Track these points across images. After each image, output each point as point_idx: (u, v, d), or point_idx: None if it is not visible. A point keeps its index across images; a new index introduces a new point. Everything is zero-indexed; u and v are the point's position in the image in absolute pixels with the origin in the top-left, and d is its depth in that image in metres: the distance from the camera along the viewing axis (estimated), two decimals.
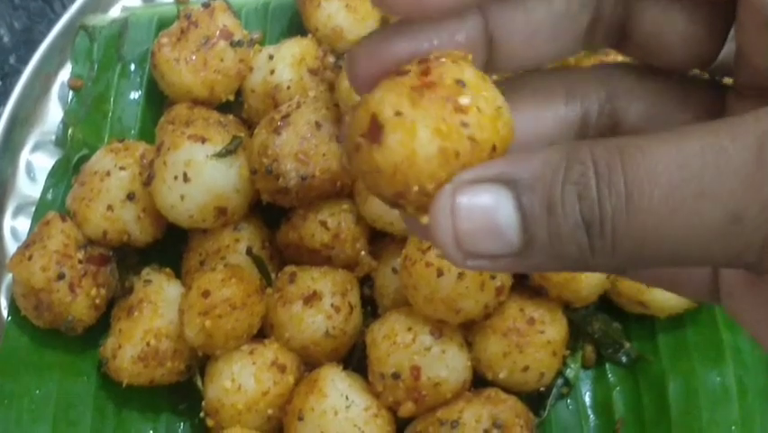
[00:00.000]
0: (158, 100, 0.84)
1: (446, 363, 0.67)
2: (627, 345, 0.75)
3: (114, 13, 0.91)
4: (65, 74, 0.88)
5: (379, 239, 0.75)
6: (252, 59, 0.80)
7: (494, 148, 0.29)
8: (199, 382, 0.72)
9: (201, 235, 0.75)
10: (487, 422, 0.65)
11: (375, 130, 0.29)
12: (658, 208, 0.27)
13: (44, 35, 0.89)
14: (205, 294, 0.67)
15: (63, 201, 0.79)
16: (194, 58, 0.79)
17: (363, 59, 0.32)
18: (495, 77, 0.32)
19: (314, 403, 0.66)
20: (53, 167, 0.84)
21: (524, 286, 0.71)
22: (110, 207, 0.74)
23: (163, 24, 0.86)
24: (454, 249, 0.29)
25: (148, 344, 0.71)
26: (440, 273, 0.65)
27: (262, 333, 0.72)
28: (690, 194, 0.27)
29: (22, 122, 0.86)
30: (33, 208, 0.82)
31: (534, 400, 0.72)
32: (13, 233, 0.83)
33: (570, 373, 0.74)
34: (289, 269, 0.73)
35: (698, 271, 0.37)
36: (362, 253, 0.73)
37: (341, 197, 0.73)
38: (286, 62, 0.78)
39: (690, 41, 0.34)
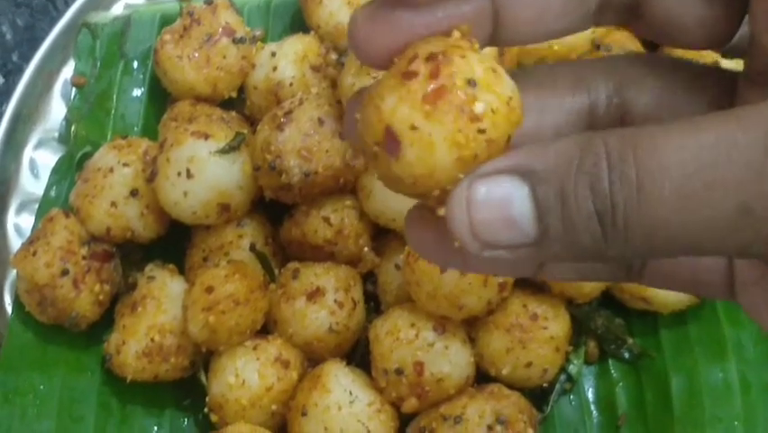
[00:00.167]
0: (160, 97, 0.84)
1: (449, 359, 0.67)
2: (630, 340, 0.75)
3: (117, 10, 0.91)
4: (68, 71, 0.88)
5: (382, 235, 0.75)
6: (255, 56, 0.80)
7: (508, 139, 0.30)
8: (203, 378, 0.73)
9: (204, 232, 0.75)
10: (490, 418, 0.66)
11: (391, 142, 0.29)
12: (669, 198, 0.27)
13: (47, 32, 0.89)
14: (209, 290, 0.67)
15: (66, 198, 0.79)
16: (196, 55, 0.79)
17: (365, 26, 0.32)
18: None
19: (317, 399, 0.66)
20: (56, 164, 0.84)
21: (526, 282, 0.71)
22: (113, 204, 0.74)
23: (166, 22, 0.86)
24: (471, 239, 0.30)
25: (152, 340, 0.71)
26: (443, 270, 0.65)
27: (266, 329, 0.72)
28: (701, 185, 0.27)
29: (25, 119, 0.86)
30: (37, 205, 0.82)
31: (537, 395, 0.72)
32: (17, 229, 0.83)
33: (573, 368, 0.74)
34: (292, 265, 0.73)
35: (715, 270, 0.37)
36: (365, 249, 0.73)
37: (344, 193, 0.73)
38: (288, 59, 0.78)
39: (705, 23, 0.34)
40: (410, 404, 0.67)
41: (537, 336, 0.69)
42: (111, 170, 0.74)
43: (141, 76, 0.86)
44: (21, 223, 0.84)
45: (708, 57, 0.69)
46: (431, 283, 0.65)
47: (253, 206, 0.74)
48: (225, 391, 0.69)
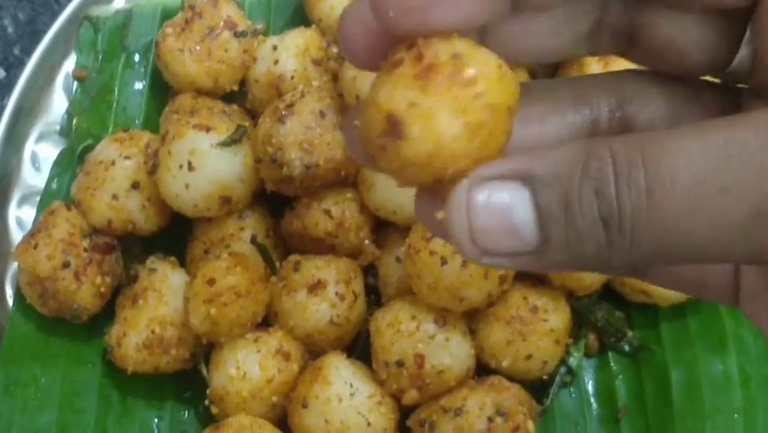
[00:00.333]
0: (162, 90, 0.84)
1: (450, 351, 0.67)
2: (630, 333, 0.75)
3: (119, 3, 0.91)
4: (69, 65, 0.88)
5: (382, 228, 0.75)
6: (256, 49, 0.81)
7: (509, 109, 0.29)
8: (204, 370, 0.73)
9: (206, 224, 0.75)
10: (490, 410, 0.66)
11: (394, 127, 0.29)
12: (679, 203, 0.26)
13: (48, 26, 0.88)
14: (210, 282, 0.68)
15: (68, 191, 0.79)
16: (198, 48, 0.79)
17: (353, 25, 0.31)
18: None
19: (318, 391, 0.67)
20: (58, 157, 0.84)
21: (527, 275, 0.71)
22: (115, 197, 0.74)
23: (167, 15, 0.86)
24: (470, 246, 0.29)
25: (153, 331, 0.71)
26: (444, 262, 0.65)
27: (267, 321, 0.72)
28: (712, 189, 0.26)
29: (26, 112, 0.86)
30: (38, 198, 0.82)
31: (538, 388, 0.73)
32: (19, 222, 0.83)
33: (573, 361, 0.74)
34: (294, 257, 0.73)
35: (721, 275, 0.36)
36: (366, 241, 0.74)
37: (345, 185, 0.73)
38: (290, 53, 0.78)
39: (703, 48, 0.33)
40: (411, 396, 0.67)
41: (537, 328, 0.69)
42: (112, 162, 0.74)
43: (143, 69, 0.86)
44: (22, 216, 0.84)
45: None
46: (432, 276, 0.65)
47: (254, 198, 0.75)
48: (226, 383, 0.69)
